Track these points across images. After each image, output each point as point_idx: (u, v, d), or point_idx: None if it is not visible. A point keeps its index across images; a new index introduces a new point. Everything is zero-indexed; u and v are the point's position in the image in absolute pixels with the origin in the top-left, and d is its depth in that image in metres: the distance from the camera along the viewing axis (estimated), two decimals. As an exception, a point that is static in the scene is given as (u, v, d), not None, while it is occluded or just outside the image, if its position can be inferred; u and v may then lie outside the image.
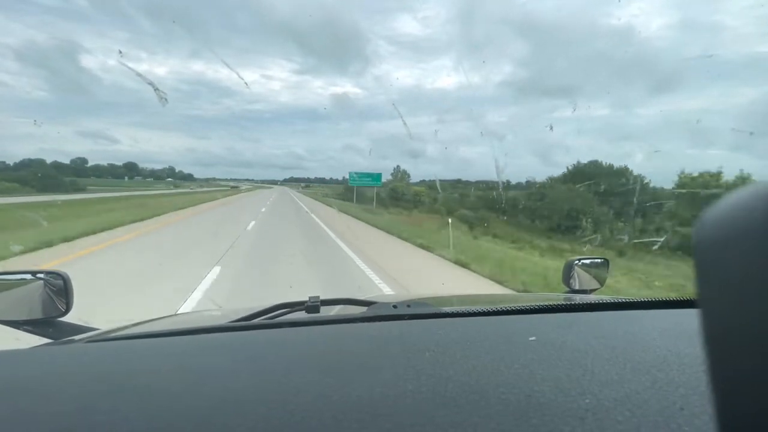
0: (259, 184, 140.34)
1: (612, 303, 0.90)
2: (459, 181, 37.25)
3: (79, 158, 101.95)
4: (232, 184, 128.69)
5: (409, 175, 43.02)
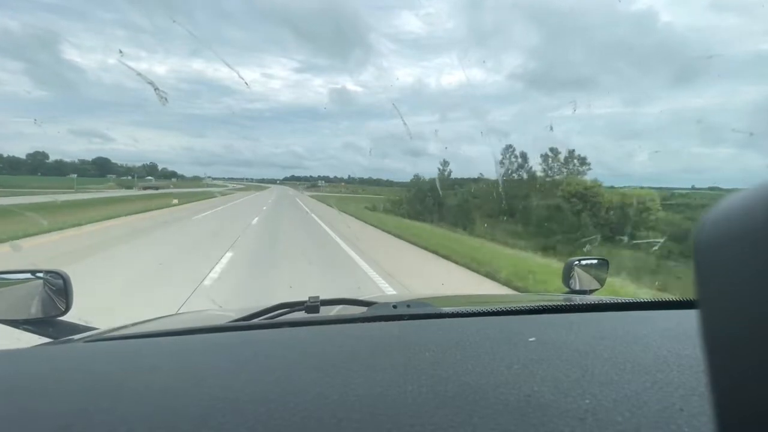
0: (256, 183, 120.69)
1: (612, 303, 0.90)
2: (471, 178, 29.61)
3: (39, 152, 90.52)
4: (151, 183, 66.82)
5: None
